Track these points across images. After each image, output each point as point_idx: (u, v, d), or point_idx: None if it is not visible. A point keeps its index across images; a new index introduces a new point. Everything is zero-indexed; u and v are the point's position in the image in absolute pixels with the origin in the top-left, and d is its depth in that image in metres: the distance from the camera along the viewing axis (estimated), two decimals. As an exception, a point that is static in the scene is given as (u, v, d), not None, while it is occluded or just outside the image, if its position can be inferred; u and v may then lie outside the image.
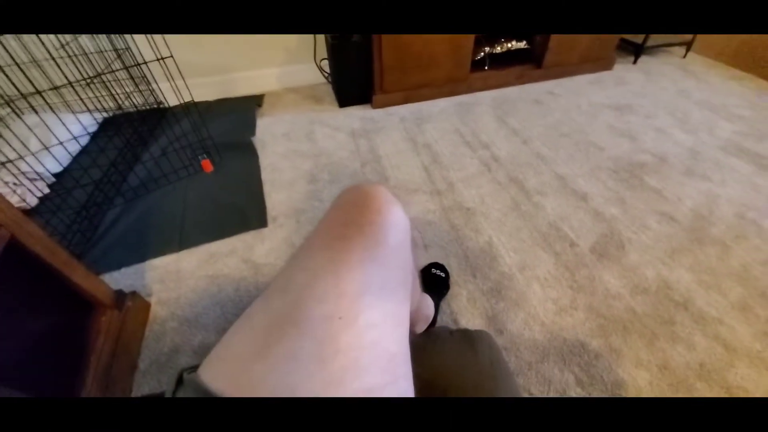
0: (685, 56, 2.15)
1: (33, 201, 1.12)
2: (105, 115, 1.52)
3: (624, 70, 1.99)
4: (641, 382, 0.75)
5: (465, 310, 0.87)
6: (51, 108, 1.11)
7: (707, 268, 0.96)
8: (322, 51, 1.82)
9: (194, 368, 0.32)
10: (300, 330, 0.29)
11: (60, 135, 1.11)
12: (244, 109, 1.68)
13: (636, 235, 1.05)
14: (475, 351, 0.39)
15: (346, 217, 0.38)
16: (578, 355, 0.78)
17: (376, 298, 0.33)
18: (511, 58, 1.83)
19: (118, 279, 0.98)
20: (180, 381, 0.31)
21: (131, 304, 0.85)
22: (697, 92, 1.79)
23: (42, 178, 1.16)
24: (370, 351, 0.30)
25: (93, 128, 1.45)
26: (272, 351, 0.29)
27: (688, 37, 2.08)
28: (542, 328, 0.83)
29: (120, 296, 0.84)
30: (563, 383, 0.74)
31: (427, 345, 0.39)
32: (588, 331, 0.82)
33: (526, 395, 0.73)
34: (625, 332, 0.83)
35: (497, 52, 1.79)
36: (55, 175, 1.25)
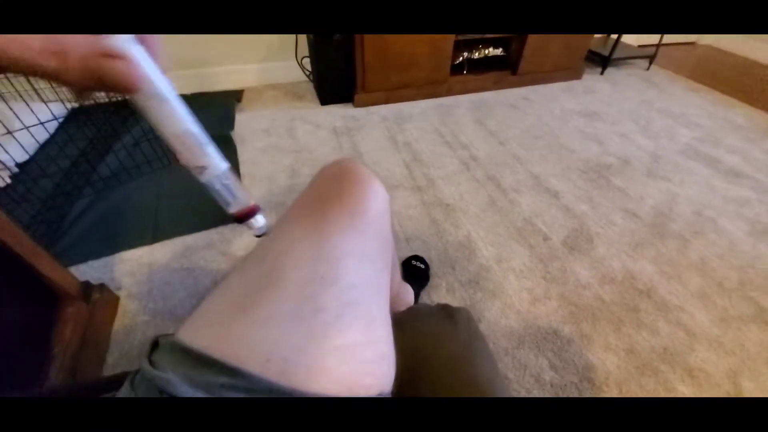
0: (648, 68, 2.30)
1: (-8, 190, 1.06)
2: (75, 105, 1.45)
3: (592, 80, 2.10)
4: (610, 365, 0.79)
5: (444, 300, 0.89)
6: (20, 95, 1.05)
7: (668, 260, 1.03)
8: (304, 49, 1.82)
9: (169, 336, 0.31)
10: (279, 292, 0.29)
11: (27, 122, 1.06)
12: (223, 104, 1.65)
13: (603, 229, 1.10)
14: (454, 322, 0.40)
15: (326, 189, 0.38)
16: (551, 341, 0.82)
17: (356, 263, 0.33)
18: (488, 64, 1.89)
19: (86, 272, 0.93)
20: (155, 345, 0.30)
21: (99, 296, 0.81)
22: (658, 102, 1.91)
23: (6, 167, 1.09)
24: (351, 309, 0.30)
25: (62, 116, 1.39)
26: (251, 312, 0.28)
27: (651, 50, 2.23)
28: (518, 317, 0.86)
29: (87, 288, 0.80)
30: (538, 367, 0.77)
31: (408, 317, 0.40)
32: (560, 319, 0.86)
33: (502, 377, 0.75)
34: (594, 319, 0.87)
35: (475, 57, 1.86)
36: (20, 165, 1.18)
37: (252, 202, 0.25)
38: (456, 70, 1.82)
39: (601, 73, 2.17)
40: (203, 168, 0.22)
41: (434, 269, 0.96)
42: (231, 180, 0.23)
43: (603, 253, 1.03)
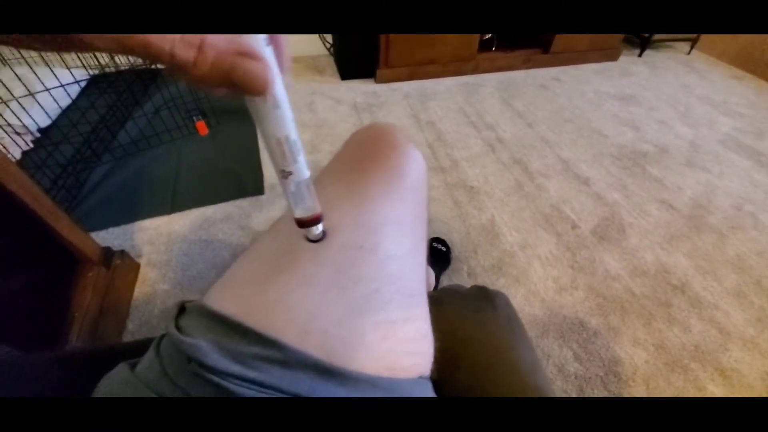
0: (689, 53, 2.15)
1: (17, 153, 1.06)
2: (98, 72, 1.44)
3: (629, 62, 1.98)
4: (637, 360, 0.75)
5: (466, 284, 0.86)
6: (44, 60, 1.04)
7: (704, 255, 0.97)
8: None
9: (195, 302, 0.29)
10: (316, 256, 0.27)
11: (49, 85, 1.04)
12: (242, 76, 1.61)
13: (636, 220, 1.05)
14: (494, 306, 0.37)
15: (361, 153, 0.36)
16: (577, 332, 0.78)
17: (395, 231, 0.30)
18: (519, 41, 1.79)
19: (106, 238, 0.93)
20: (182, 310, 0.28)
21: (120, 262, 0.81)
22: (699, 88, 1.79)
23: (29, 131, 1.09)
24: (391, 284, 0.28)
25: (84, 81, 1.37)
26: (285, 276, 0.26)
27: (693, 34, 2.08)
28: (542, 305, 0.83)
29: (108, 253, 0.80)
30: (561, 358, 0.74)
31: (444, 298, 0.37)
32: (587, 310, 0.82)
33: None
34: (623, 312, 0.83)
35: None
36: (42, 130, 1.18)
37: (318, 211, 0.25)
38: (484, 46, 1.73)
39: (639, 55, 2.04)
40: (289, 173, 0.22)
41: (456, 252, 0.93)
42: (308, 188, 0.24)
43: (635, 244, 0.98)
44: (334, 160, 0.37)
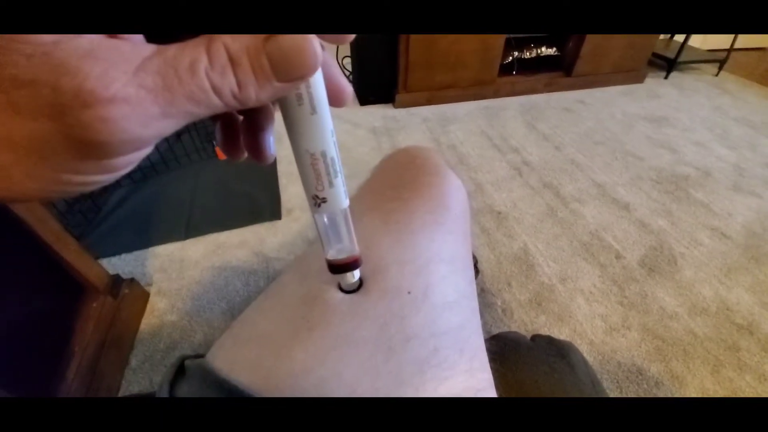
0: (717, 74, 2.08)
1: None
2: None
3: (655, 84, 1.92)
4: (711, 417, 0.64)
5: (500, 321, 0.77)
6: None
7: (770, 290, 0.86)
8: (345, 49, 1.77)
9: (198, 357, 0.23)
10: (354, 307, 0.21)
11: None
12: (262, 101, 1.62)
13: (688, 249, 0.95)
14: (571, 365, 0.29)
15: (399, 179, 0.31)
16: (635, 382, 0.68)
17: (447, 270, 0.24)
18: (540, 64, 1.77)
19: (117, 265, 0.89)
20: (181, 369, 0.21)
21: (128, 291, 0.76)
22: (733, 109, 1.70)
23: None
24: (450, 338, 0.21)
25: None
26: (317, 333, 0.20)
27: (722, 54, 2.01)
28: (591, 348, 0.73)
29: (116, 282, 0.75)
30: (620, 413, 0.64)
31: (507, 353, 0.30)
32: (645, 354, 0.72)
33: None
34: (686, 357, 0.72)
35: (526, 57, 1.73)
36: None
37: (356, 253, 0.20)
38: (505, 70, 1.71)
39: (666, 77, 1.98)
40: (323, 200, 0.17)
41: (487, 284, 0.85)
42: (346, 222, 0.19)
43: (690, 277, 0.87)
44: (366, 187, 0.32)
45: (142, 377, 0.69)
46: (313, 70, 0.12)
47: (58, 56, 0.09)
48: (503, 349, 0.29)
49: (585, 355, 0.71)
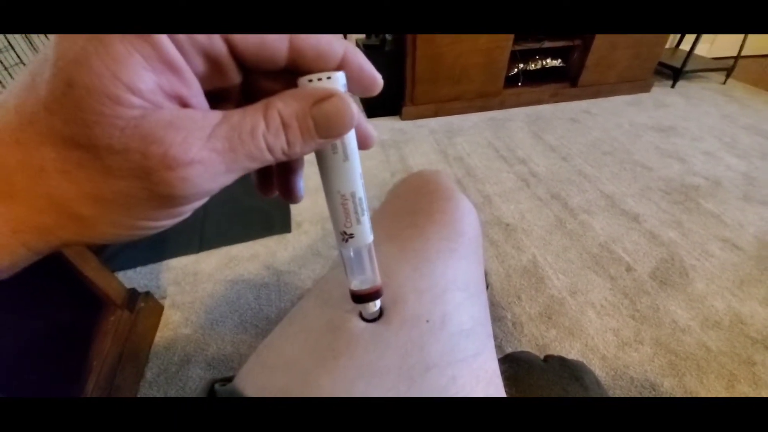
0: (725, 82, 2.07)
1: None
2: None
3: (662, 93, 1.92)
4: (728, 434, 0.63)
5: (510, 335, 0.77)
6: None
7: (786, 304, 0.84)
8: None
9: (226, 380, 0.24)
10: (376, 336, 0.22)
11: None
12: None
13: (699, 261, 0.94)
14: (585, 387, 0.30)
15: (413, 206, 0.32)
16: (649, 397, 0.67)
17: (463, 297, 0.25)
18: (545, 75, 1.78)
19: (132, 278, 0.91)
20: (212, 393, 0.23)
21: (144, 305, 0.78)
22: (742, 117, 1.69)
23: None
24: (467, 366, 0.22)
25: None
26: (342, 362, 0.21)
27: (729, 62, 2.01)
28: (603, 363, 0.72)
29: (133, 296, 0.77)
30: (634, 430, 0.63)
31: (519, 374, 0.30)
32: (658, 369, 0.71)
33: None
34: (700, 372, 0.71)
35: (532, 68, 1.75)
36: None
37: (379, 283, 0.21)
38: (510, 82, 1.72)
39: (672, 86, 1.98)
40: (350, 236, 0.19)
41: (496, 297, 0.85)
42: (370, 256, 0.20)
43: (702, 289, 0.87)
44: (381, 213, 0.33)
45: (157, 390, 0.70)
46: (350, 129, 0.14)
47: (146, 127, 0.11)
48: (517, 372, 0.30)
49: (597, 370, 0.71)
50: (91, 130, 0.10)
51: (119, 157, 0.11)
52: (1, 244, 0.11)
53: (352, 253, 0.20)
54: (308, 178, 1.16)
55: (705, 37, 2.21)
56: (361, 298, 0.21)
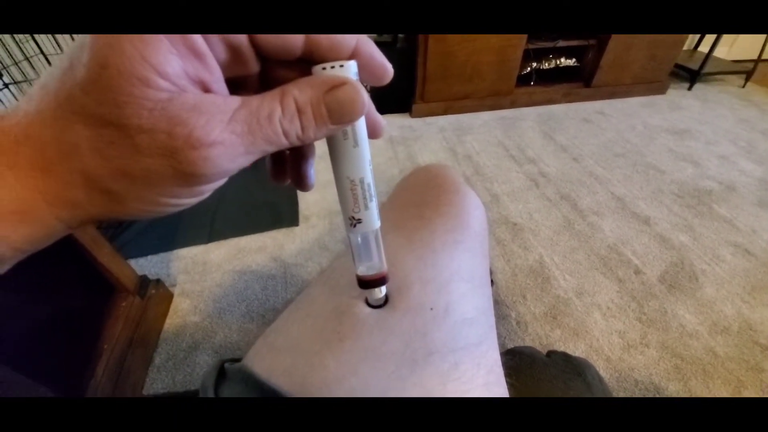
0: (744, 86, 2.03)
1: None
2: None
3: (678, 95, 1.89)
4: (733, 441, 0.62)
5: (514, 334, 0.77)
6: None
7: (799, 312, 0.83)
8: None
9: (234, 361, 0.25)
10: (381, 322, 0.23)
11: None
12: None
13: (710, 266, 0.92)
14: (587, 383, 0.30)
15: (420, 198, 0.32)
16: (653, 400, 0.67)
17: (467, 288, 0.26)
18: (558, 75, 1.76)
19: (144, 266, 0.93)
20: (222, 373, 0.23)
21: (154, 292, 0.80)
22: (761, 122, 1.65)
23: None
24: (469, 353, 0.23)
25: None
26: (347, 345, 0.22)
27: (748, 65, 1.96)
28: (608, 365, 0.72)
29: (144, 282, 0.78)
30: (637, 432, 0.63)
31: (522, 367, 0.31)
32: (663, 373, 0.71)
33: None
34: (706, 376, 0.71)
35: (545, 68, 1.73)
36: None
37: (385, 270, 0.21)
38: (522, 81, 1.71)
39: (689, 88, 1.94)
40: (358, 221, 0.20)
41: (502, 296, 0.85)
42: (377, 242, 0.21)
43: (712, 294, 0.85)
44: (389, 204, 0.34)
45: (165, 375, 0.72)
46: (361, 115, 0.15)
47: (172, 110, 0.12)
48: (519, 364, 0.30)
49: (601, 371, 0.71)
50: (121, 110, 0.11)
51: (147, 137, 0.11)
52: (37, 216, 0.12)
53: (359, 239, 0.20)
54: (318, 173, 1.18)
55: (725, 39, 2.15)
56: (367, 283, 0.21)
